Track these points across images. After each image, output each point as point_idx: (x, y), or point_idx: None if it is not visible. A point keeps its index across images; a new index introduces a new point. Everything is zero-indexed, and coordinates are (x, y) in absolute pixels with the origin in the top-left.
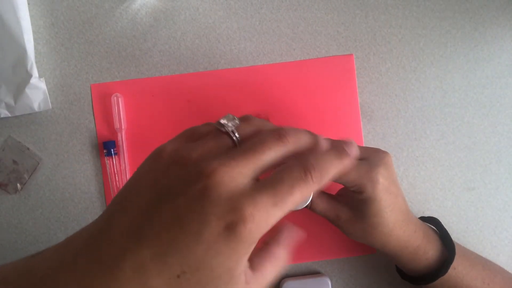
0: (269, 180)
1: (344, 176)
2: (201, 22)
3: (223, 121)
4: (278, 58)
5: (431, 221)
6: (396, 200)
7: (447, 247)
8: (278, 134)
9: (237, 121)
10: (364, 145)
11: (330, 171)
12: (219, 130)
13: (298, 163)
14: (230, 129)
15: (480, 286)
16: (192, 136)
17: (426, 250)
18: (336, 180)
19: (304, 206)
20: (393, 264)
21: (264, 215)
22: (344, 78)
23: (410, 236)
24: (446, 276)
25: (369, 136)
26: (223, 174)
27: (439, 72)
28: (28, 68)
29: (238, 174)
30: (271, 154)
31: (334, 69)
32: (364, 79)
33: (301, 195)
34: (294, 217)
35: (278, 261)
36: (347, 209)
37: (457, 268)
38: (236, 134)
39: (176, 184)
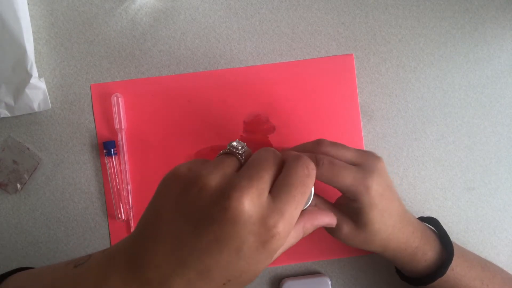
0: (283, 187)
1: (340, 181)
2: (201, 22)
3: (234, 143)
4: (278, 58)
5: (430, 221)
6: (392, 204)
7: (446, 247)
8: (272, 149)
9: (245, 146)
10: (364, 145)
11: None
12: (226, 153)
13: (299, 162)
14: (241, 151)
15: (479, 287)
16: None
17: (425, 251)
18: (333, 184)
19: (308, 205)
20: (392, 265)
21: (291, 221)
22: (344, 78)
23: (409, 238)
24: (444, 277)
25: (369, 136)
26: (250, 196)
27: (439, 72)
28: (28, 68)
29: (260, 192)
30: (274, 167)
31: (334, 69)
32: (364, 79)
33: (309, 190)
34: None
35: (300, 233)
36: (347, 218)
37: (456, 269)
38: (243, 156)
39: (206, 210)
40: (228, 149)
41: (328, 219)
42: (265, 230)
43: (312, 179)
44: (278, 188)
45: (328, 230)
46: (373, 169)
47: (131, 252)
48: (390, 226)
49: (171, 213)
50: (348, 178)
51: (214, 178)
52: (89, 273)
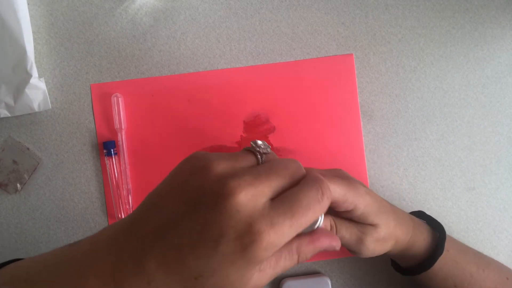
0: (287, 200)
1: (338, 190)
2: (201, 22)
3: (259, 142)
4: (278, 58)
5: (415, 215)
6: (377, 196)
7: (437, 229)
8: (299, 163)
9: (269, 149)
10: (364, 145)
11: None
12: (247, 150)
13: (315, 184)
14: (262, 151)
15: (475, 271)
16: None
17: (422, 232)
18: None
19: (315, 227)
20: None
21: (280, 236)
22: (344, 78)
23: (406, 222)
24: (442, 260)
25: (369, 136)
26: (246, 191)
27: (439, 72)
28: (28, 68)
29: (260, 193)
30: (289, 178)
31: (334, 69)
32: (364, 79)
33: (314, 216)
34: None
35: (294, 256)
36: (364, 227)
37: (450, 251)
38: (263, 157)
39: (202, 194)
40: (252, 146)
41: (329, 241)
42: (248, 232)
43: (321, 207)
44: (282, 199)
45: (352, 251)
46: (348, 176)
47: (123, 228)
48: (389, 214)
49: (174, 192)
50: (341, 185)
51: (221, 165)
52: (82, 246)
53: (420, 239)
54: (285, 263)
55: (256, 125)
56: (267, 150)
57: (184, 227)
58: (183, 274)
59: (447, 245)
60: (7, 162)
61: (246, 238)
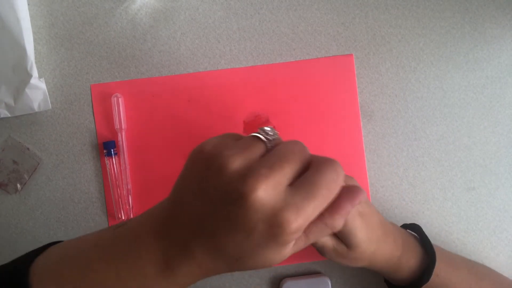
0: (306, 184)
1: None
2: (201, 22)
3: (267, 129)
4: (278, 58)
5: (413, 228)
6: (372, 219)
7: (428, 253)
8: (302, 143)
9: (276, 134)
10: (364, 145)
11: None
12: (255, 137)
13: (330, 165)
14: (271, 137)
15: None
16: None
17: (408, 258)
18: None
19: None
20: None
21: (305, 219)
22: (344, 78)
23: (392, 247)
24: (430, 283)
25: (369, 136)
26: (265, 186)
27: (439, 72)
28: (28, 68)
29: (277, 183)
30: (299, 162)
31: (334, 69)
32: (364, 79)
33: (333, 195)
34: None
35: (324, 229)
36: (336, 240)
37: (440, 275)
38: (272, 142)
39: (224, 191)
40: (259, 132)
41: (350, 202)
42: (277, 223)
43: (338, 186)
44: (301, 184)
45: (319, 250)
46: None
47: (163, 216)
48: (375, 241)
49: (195, 188)
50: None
51: (235, 161)
52: (128, 231)
53: (406, 267)
54: (315, 236)
55: (256, 125)
56: (275, 136)
57: (215, 222)
58: (225, 258)
59: (437, 268)
60: (7, 162)
61: (275, 228)
